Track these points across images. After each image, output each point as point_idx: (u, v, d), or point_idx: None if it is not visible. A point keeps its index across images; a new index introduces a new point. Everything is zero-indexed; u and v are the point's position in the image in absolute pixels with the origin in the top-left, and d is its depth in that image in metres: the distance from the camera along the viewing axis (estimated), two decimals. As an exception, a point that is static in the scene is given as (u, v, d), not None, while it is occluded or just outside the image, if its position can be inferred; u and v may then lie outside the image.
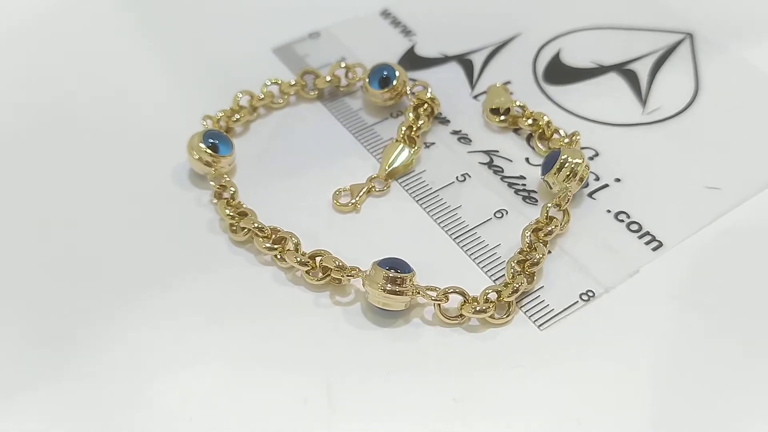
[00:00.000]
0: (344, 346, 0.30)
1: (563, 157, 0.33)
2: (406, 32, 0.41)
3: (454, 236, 0.33)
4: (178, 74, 0.40)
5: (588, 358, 0.29)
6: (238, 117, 0.37)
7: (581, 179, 0.33)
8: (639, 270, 0.31)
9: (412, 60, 0.40)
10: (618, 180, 0.35)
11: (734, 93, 0.38)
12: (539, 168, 0.35)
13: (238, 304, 0.31)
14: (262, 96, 0.37)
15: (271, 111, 0.38)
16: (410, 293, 0.30)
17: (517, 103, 0.37)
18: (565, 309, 0.30)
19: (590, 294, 0.31)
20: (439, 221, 0.33)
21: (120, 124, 0.37)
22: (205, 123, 0.36)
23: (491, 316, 0.30)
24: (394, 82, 0.36)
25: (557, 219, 0.32)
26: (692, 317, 0.30)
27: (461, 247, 0.33)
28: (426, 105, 0.36)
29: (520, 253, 0.31)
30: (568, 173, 0.33)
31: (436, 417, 0.28)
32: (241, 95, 0.37)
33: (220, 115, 0.36)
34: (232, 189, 0.33)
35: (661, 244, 0.32)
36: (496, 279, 0.31)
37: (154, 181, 0.35)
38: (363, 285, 0.30)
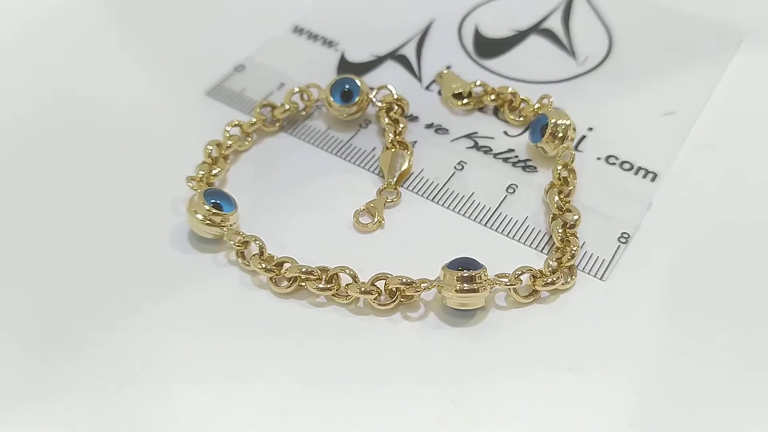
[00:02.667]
0: (444, 357, 0.30)
1: (552, 121, 0.35)
2: (328, 43, 0.41)
3: (482, 222, 0.34)
4: (131, 140, 0.37)
5: (663, 290, 0.31)
6: (218, 170, 0.35)
7: (573, 136, 0.35)
8: (652, 202, 0.34)
9: (348, 68, 0.40)
10: (591, 129, 0.37)
11: (640, 27, 0.42)
12: (520, 138, 0.37)
13: (321, 351, 0.30)
14: (230, 143, 0.35)
15: (238, 155, 0.36)
16: (487, 288, 0.30)
17: (478, 83, 0.38)
18: (614, 255, 0.32)
19: (626, 236, 0.33)
20: (461, 212, 0.34)
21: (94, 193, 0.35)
22: (191, 184, 0.33)
23: (561, 284, 0.31)
24: (358, 95, 0.36)
25: (568, 178, 0.34)
26: (726, 223, 0.33)
27: (494, 230, 0.33)
28: (396, 107, 0.37)
29: (554, 217, 0.33)
30: (561, 135, 0.35)
31: (558, 390, 0.29)
32: (210, 147, 0.35)
33: (202, 173, 0.34)
34: (258, 242, 0.32)
35: (656, 175, 0.35)
36: (542, 249, 0.33)
37: (157, 254, 0.33)
38: (439, 291, 0.30)
